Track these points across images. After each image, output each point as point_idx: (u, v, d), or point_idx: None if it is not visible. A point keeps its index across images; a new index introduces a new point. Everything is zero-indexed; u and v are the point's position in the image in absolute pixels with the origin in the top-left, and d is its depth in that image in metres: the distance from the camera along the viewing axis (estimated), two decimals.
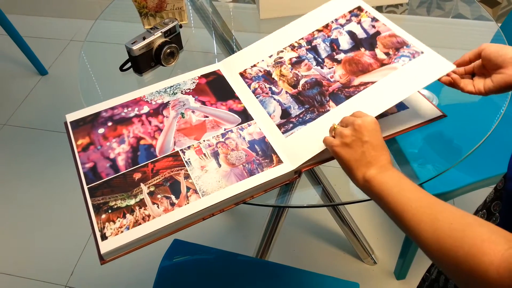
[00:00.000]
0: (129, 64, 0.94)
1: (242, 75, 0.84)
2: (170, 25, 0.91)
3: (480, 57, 0.72)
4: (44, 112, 2.02)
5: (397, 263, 1.40)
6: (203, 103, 0.81)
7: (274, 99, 0.80)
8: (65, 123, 0.80)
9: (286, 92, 0.80)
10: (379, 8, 1.10)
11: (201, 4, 1.20)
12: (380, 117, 0.78)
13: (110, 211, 0.66)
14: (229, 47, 1.13)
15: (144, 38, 0.89)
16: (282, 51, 0.86)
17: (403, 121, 0.78)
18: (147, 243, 0.64)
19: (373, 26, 0.85)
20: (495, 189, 0.62)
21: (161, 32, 0.90)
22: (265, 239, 1.27)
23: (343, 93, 0.77)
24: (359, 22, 0.87)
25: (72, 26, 2.47)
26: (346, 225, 1.38)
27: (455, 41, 1.43)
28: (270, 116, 0.77)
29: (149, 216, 0.65)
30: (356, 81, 0.78)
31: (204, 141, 0.75)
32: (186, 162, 0.72)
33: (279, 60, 0.85)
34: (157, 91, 0.83)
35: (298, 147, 0.72)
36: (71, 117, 0.80)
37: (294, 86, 0.81)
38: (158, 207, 0.66)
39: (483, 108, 0.97)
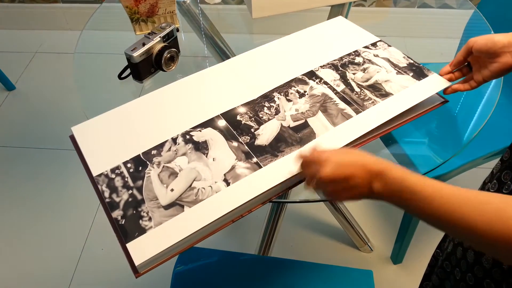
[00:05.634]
0: (127, 72, 0.92)
1: None
2: (168, 29, 0.90)
3: (470, 52, 0.76)
4: (16, 128, 1.94)
5: (393, 248, 1.44)
6: None
7: None
8: (71, 136, 0.77)
9: None
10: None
11: (188, 7, 1.19)
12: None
13: None
14: (219, 49, 1.13)
15: (143, 44, 0.87)
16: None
17: (407, 111, 0.80)
18: (179, 251, 0.64)
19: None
20: (501, 160, 0.66)
21: (160, 37, 0.89)
22: (266, 236, 1.28)
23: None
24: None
25: (36, 38, 2.38)
26: (341, 215, 1.41)
27: (427, 29, 1.48)
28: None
29: None
30: None
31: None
32: None
33: None
34: None
35: None
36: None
37: None
38: None
39: (475, 96, 1.01)
